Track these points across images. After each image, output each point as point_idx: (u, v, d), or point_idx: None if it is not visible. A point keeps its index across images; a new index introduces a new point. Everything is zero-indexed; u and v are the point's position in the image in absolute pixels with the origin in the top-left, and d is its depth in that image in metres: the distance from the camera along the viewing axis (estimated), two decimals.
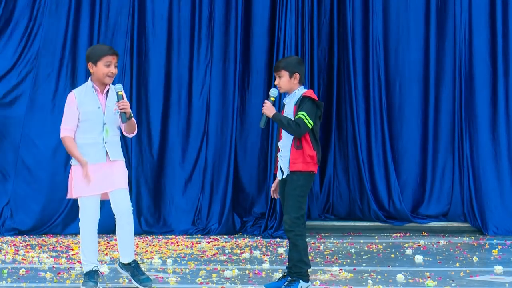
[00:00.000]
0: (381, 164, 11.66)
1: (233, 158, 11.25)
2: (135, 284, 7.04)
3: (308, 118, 6.85)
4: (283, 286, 6.94)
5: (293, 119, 6.89)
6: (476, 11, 11.52)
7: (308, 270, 6.99)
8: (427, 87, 11.73)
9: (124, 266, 7.13)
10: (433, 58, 11.71)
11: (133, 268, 7.08)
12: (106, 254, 9.00)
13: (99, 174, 6.94)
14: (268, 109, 6.96)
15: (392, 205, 11.54)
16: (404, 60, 11.75)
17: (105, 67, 6.92)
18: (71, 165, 7.05)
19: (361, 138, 11.61)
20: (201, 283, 7.33)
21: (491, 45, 11.56)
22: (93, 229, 6.99)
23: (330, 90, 11.88)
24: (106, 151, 6.96)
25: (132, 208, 7.09)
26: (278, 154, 7.06)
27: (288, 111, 7.01)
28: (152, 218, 11.09)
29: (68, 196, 7.09)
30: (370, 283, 7.26)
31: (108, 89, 7.04)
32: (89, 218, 6.97)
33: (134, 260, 7.12)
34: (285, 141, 6.98)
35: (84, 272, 7.04)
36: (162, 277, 7.59)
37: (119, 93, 6.95)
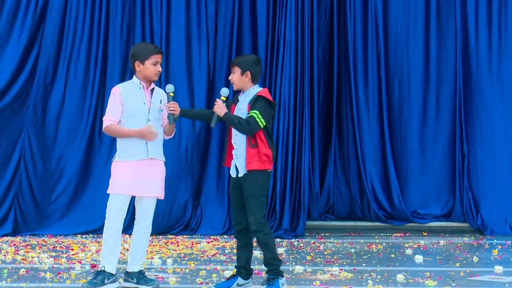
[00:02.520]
0: (381, 164, 11.66)
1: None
2: (142, 286, 7.07)
3: (260, 117, 6.84)
4: (266, 285, 6.93)
5: (245, 117, 6.89)
6: (476, 11, 11.52)
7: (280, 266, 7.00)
8: (427, 87, 11.73)
9: (130, 274, 7.15)
10: (433, 58, 11.72)
11: (138, 274, 7.13)
12: None
13: (137, 174, 6.96)
14: (219, 108, 6.95)
15: (392, 205, 11.54)
16: (404, 60, 11.76)
17: (153, 65, 7.03)
18: (112, 161, 7.09)
19: (361, 138, 11.62)
20: (201, 283, 7.33)
21: (491, 45, 11.56)
22: (116, 226, 6.97)
23: (330, 90, 11.89)
24: (148, 148, 6.99)
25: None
26: (233, 152, 7.01)
27: (242, 109, 6.99)
28: None
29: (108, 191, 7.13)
30: (370, 283, 7.26)
31: (154, 87, 7.11)
32: (115, 214, 6.96)
33: (141, 270, 7.19)
34: (239, 138, 6.96)
35: (95, 271, 7.07)
36: (162, 277, 7.59)
37: (170, 94, 7.04)
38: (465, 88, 11.54)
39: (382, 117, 11.67)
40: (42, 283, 7.31)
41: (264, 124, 6.87)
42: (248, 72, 6.98)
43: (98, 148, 11.17)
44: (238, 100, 7.07)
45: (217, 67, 11.39)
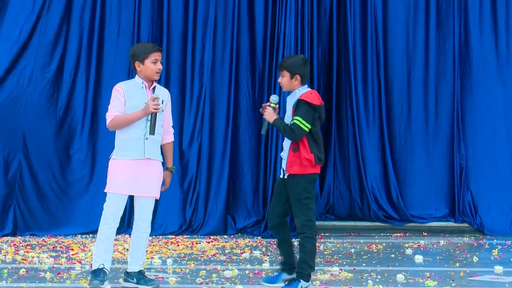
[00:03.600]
0: (381, 164, 11.66)
1: (234, 159, 11.26)
2: (142, 286, 7.08)
3: (303, 122, 6.85)
4: (284, 285, 6.96)
5: (290, 122, 6.91)
6: (476, 10, 11.52)
7: (311, 272, 7.01)
8: (427, 87, 11.74)
9: (129, 275, 7.16)
10: (433, 58, 11.71)
11: (138, 274, 7.13)
12: None
13: (134, 174, 6.96)
14: (269, 115, 6.97)
15: (392, 205, 11.54)
16: (403, 60, 11.76)
17: (153, 64, 7.02)
18: (110, 158, 7.10)
19: (361, 138, 11.61)
20: (201, 283, 7.32)
21: (490, 45, 11.56)
22: (113, 225, 6.99)
23: (330, 90, 11.89)
24: (145, 148, 6.99)
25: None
26: (281, 154, 7.11)
27: (288, 111, 7.05)
28: None
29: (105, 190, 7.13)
30: (370, 283, 7.26)
31: (155, 86, 7.11)
32: (112, 213, 6.98)
33: (140, 270, 7.20)
34: (286, 142, 7.03)
35: (91, 270, 7.06)
36: (162, 277, 7.59)
37: (272, 105, 7.02)
38: (465, 87, 11.54)
39: (381, 117, 11.67)
40: (42, 283, 7.30)
41: (309, 127, 6.86)
42: (298, 75, 6.98)
43: (98, 148, 11.16)
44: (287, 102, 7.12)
45: (216, 67, 11.38)
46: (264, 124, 7.06)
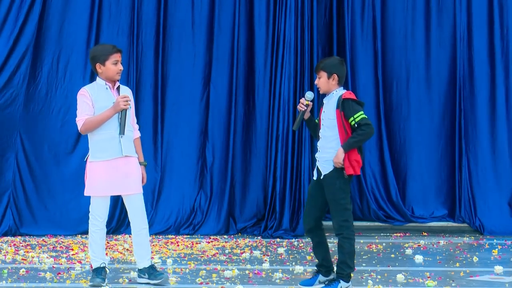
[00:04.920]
0: (381, 164, 11.66)
1: (234, 159, 11.26)
2: (153, 281, 7.16)
3: (364, 115, 6.84)
4: (324, 285, 6.96)
5: (333, 121, 6.86)
6: (476, 11, 11.52)
7: (351, 273, 6.99)
8: (426, 86, 11.72)
9: (141, 271, 7.25)
10: (433, 57, 11.71)
11: (149, 269, 7.22)
12: (106, 254, 8.99)
13: (114, 173, 7.02)
14: (338, 157, 6.80)
15: (392, 205, 11.54)
16: (403, 60, 11.75)
17: (113, 65, 7.06)
18: (86, 161, 7.14)
19: None
20: (201, 283, 7.32)
21: (491, 45, 11.56)
22: (102, 226, 7.12)
23: None
24: (121, 146, 7.04)
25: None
26: (316, 155, 7.04)
27: (327, 112, 6.97)
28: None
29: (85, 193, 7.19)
30: (370, 283, 7.25)
31: (119, 86, 7.15)
32: (99, 216, 7.09)
33: (152, 265, 7.27)
34: (324, 142, 6.96)
35: (92, 269, 7.16)
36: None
37: (307, 102, 7.03)
38: (465, 87, 11.53)
39: (381, 116, 11.66)
40: (42, 283, 7.30)
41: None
42: (335, 74, 6.98)
43: None
44: (323, 103, 7.06)
45: (216, 67, 11.38)
46: (297, 119, 7.03)
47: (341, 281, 6.90)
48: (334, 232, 6.95)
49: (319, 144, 7.04)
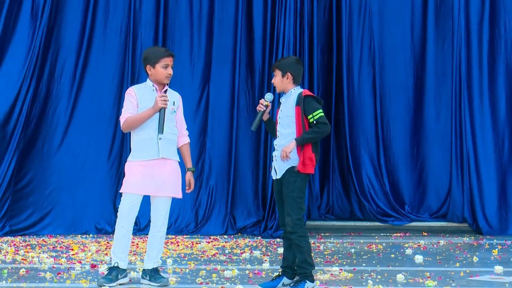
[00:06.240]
0: (381, 164, 11.66)
1: (234, 159, 11.27)
2: (154, 284, 7.16)
3: (322, 113, 6.85)
4: (289, 286, 6.96)
5: (291, 118, 6.88)
6: (475, 11, 11.53)
7: (312, 270, 7.01)
8: (425, 86, 11.74)
9: (144, 272, 7.28)
10: (432, 57, 11.72)
11: (151, 271, 7.25)
12: (106, 254, 9.00)
13: (149, 174, 7.06)
14: (288, 147, 6.86)
15: (392, 205, 11.54)
16: (402, 60, 11.77)
17: (163, 68, 7.10)
18: (127, 161, 7.22)
19: (360, 138, 11.61)
20: (201, 283, 7.33)
21: (491, 45, 11.56)
22: (125, 225, 7.09)
23: (329, 90, 11.90)
24: (159, 148, 7.07)
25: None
26: (273, 154, 7.07)
27: (285, 110, 6.98)
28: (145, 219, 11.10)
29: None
30: (370, 283, 7.26)
31: (166, 89, 7.18)
32: (124, 214, 7.08)
33: (155, 268, 7.30)
34: (281, 140, 6.98)
35: (109, 267, 7.23)
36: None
37: (267, 103, 7.05)
38: (464, 87, 11.53)
39: (381, 116, 11.67)
40: (42, 283, 7.31)
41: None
42: (289, 73, 6.98)
43: (97, 149, 11.17)
44: (280, 103, 7.07)
45: (216, 67, 11.39)
46: (256, 120, 7.04)
47: (307, 281, 6.89)
48: (287, 229, 6.90)
49: (276, 142, 7.04)
